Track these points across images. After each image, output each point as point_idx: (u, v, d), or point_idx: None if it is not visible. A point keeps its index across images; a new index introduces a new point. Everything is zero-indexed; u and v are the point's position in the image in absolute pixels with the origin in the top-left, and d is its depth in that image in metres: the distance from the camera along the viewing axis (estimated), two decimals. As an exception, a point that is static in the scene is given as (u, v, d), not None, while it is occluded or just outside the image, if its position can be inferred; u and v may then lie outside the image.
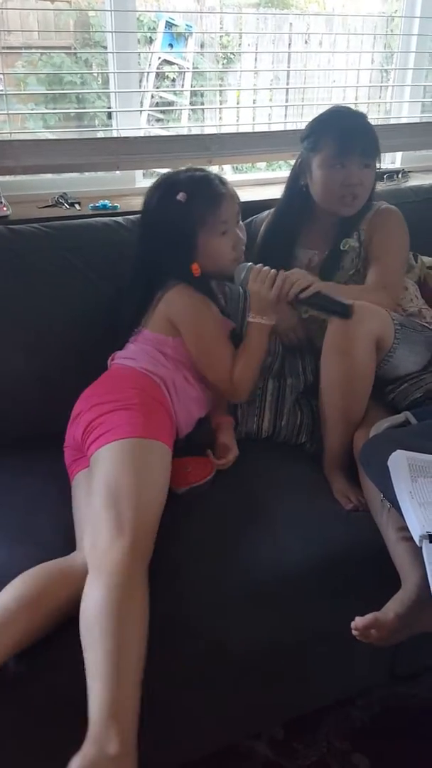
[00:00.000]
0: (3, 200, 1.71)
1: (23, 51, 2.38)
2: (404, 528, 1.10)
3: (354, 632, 1.10)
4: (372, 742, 1.44)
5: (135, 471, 1.19)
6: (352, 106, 1.75)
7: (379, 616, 1.09)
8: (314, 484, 1.44)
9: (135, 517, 1.12)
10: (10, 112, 1.86)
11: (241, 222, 1.49)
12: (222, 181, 1.44)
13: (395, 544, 1.20)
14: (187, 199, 1.38)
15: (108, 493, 1.15)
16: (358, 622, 1.10)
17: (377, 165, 1.59)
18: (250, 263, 1.42)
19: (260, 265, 1.41)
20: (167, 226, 1.41)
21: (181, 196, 1.38)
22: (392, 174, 2.25)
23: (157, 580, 1.17)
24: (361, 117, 1.59)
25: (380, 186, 1.84)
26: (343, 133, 1.53)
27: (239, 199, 1.46)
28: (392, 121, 2.41)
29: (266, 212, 1.80)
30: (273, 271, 1.39)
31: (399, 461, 1.15)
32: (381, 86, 2.60)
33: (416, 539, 1.02)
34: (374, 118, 1.69)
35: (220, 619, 1.18)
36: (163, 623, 1.11)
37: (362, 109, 1.72)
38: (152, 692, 1.12)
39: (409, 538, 1.10)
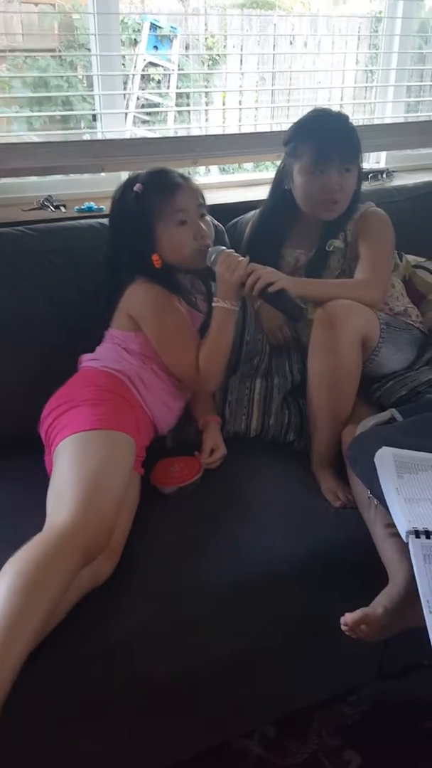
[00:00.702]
0: (-12, 203, 1.71)
1: (7, 54, 2.37)
2: (391, 524, 1.11)
3: (343, 627, 1.11)
4: (363, 738, 1.45)
5: (80, 463, 1.20)
6: (337, 107, 1.75)
7: (368, 612, 1.10)
8: (302, 482, 1.44)
9: (83, 505, 1.11)
10: (-5, 115, 1.86)
11: (208, 218, 1.49)
12: (182, 176, 1.46)
13: (383, 541, 1.21)
14: (143, 190, 1.41)
15: (56, 486, 1.19)
16: (348, 617, 1.11)
17: (361, 166, 1.59)
18: (223, 247, 1.43)
19: (232, 250, 1.42)
20: (127, 218, 1.44)
21: (137, 188, 1.41)
22: (376, 174, 2.27)
23: (143, 578, 1.18)
24: (341, 120, 1.58)
25: (365, 186, 1.84)
26: (320, 140, 1.52)
27: (203, 195, 1.47)
28: (376, 121, 2.42)
29: (251, 213, 1.81)
30: (243, 259, 1.39)
31: (385, 458, 1.16)
32: (365, 87, 2.61)
33: (402, 535, 1.03)
34: (358, 118, 1.70)
35: (206, 617, 1.18)
36: (147, 621, 1.12)
37: (347, 109, 1.73)
38: (142, 690, 1.14)
39: (397, 534, 1.11)
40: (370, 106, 2.51)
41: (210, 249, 1.43)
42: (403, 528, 1.03)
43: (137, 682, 1.13)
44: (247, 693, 1.30)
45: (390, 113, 2.44)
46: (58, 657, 1.05)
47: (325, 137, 1.53)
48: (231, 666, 1.23)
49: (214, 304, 1.43)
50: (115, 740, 1.18)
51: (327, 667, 1.37)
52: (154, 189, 1.41)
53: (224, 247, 1.44)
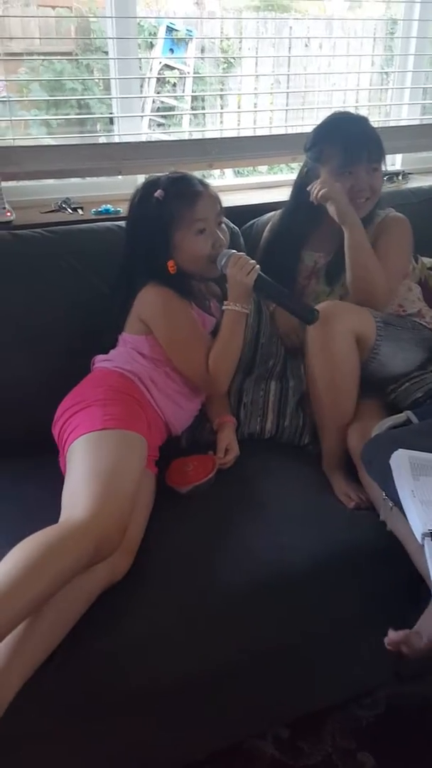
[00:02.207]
0: (6, 206, 1.72)
1: (25, 57, 2.39)
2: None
3: (387, 646, 1.10)
4: (377, 741, 1.44)
5: (93, 463, 1.22)
6: (353, 110, 1.76)
7: (410, 636, 1.08)
8: (317, 483, 1.45)
9: (98, 502, 1.12)
10: (13, 118, 1.88)
11: (224, 225, 1.51)
12: (202, 183, 1.47)
13: (417, 552, 1.18)
14: (164, 197, 1.41)
15: (71, 485, 1.21)
16: (392, 636, 1.10)
17: (383, 167, 1.60)
18: (233, 250, 1.44)
19: (242, 253, 1.43)
20: (146, 223, 1.44)
21: (158, 194, 1.41)
22: (392, 176, 2.26)
23: (157, 577, 1.18)
24: (363, 121, 1.61)
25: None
26: (348, 142, 1.54)
27: (221, 203, 1.48)
28: (392, 124, 2.42)
29: (267, 215, 1.82)
30: (253, 261, 1.41)
31: (401, 460, 1.16)
32: (381, 89, 2.61)
33: (418, 537, 1.03)
34: (374, 120, 1.70)
35: (220, 618, 1.19)
36: (161, 620, 1.13)
37: (362, 111, 1.73)
38: (156, 690, 1.14)
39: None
40: (385, 109, 2.50)
41: (221, 253, 1.44)
42: (419, 530, 1.03)
43: (151, 681, 1.14)
44: (261, 694, 1.30)
45: (406, 115, 2.44)
46: (72, 655, 1.06)
47: (351, 139, 1.55)
48: (245, 666, 1.24)
49: (224, 307, 1.44)
50: (128, 740, 1.19)
51: (342, 669, 1.37)
52: (175, 196, 1.41)
53: (234, 250, 1.44)
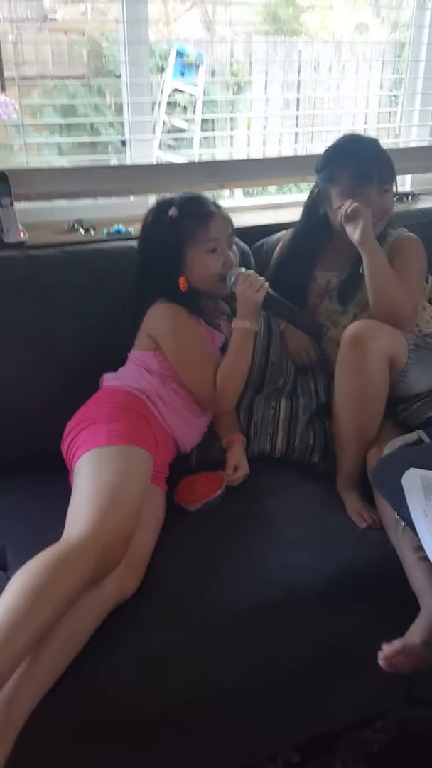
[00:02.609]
0: (20, 226, 1.74)
1: (38, 80, 2.44)
2: (420, 548, 1.10)
3: (381, 662, 1.09)
4: (389, 765, 1.42)
5: (96, 478, 1.23)
6: (362, 131, 1.78)
7: (406, 642, 1.08)
8: (327, 503, 1.44)
9: (98, 517, 1.12)
10: (26, 141, 1.91)
11: (235, 246, 1.53)
12: (215, 204, 1.50)
13: (412, 567, 1.20)
14: (177, 215, 1.43)
15: (74, 502, 1.21)
16: (386, 650, 1.09)
17: (394, 188, 1.62)
18: (242, 269, 1.46)
19: (251, 271, 1.45)
20: (159, 240, 1.47)
21: (172, 212, 1.44)
22: (402, 196, 2.28)
23: (166, 596, 1.18)
24: (374, 143, 1.62)
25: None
26: (359, 163, 1.55)
27: (233, 224, 1.51)
28: (401, 145, 2.44)
29: (277, 235, 1.83)
30: (262, 278, 1.42)
31: (413, 480, 1.15)
32: (390, 111, 2.64)
33: (431, 557, 1.02)
34: (384, 142, 1.72)
35: (229, 637, 1.18)
36: (169, 639, 1.12)
37: (371, 134, 1.75)
38: (165, 711, 1.13)
39: (426, 559, 1.10)
40: (394, 130, 2.53)
41: (230, 271, 1.45)
42: (431, 550, 1.02)
43: (160, 702, 1.13)
44: (270, 716, 1.29)
45: (415, 137, 2.46)
46: (80, 672, 1.06)
47: (362, 160, 1.56)
48: (254, 688, 1.22)
49: (234, 325, 1.45)
50: (136, 761, 1.17)
51: (353, 691, 1.35)
52: (189, 215, 1.44)
53: (243, 269, 1.46)
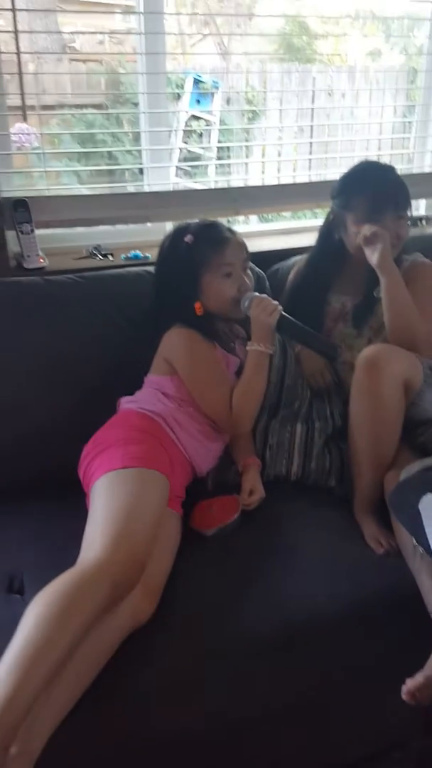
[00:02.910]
0: (40, 252, 1.78)
1: (56, 109, 2.49)
2: None
3: (404, 696, 1.08)
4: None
5: (111, 501, 1.23)
6: (375, 158, 1.79)
7: (428, 675, 1.07)
8: (344, 527, 1.43)
9: (113, 540, 1.13)
10: (46, 169, 1.95)
11: (249, 271, 1.55)
12: (230, 230, 1.52)
13: (430, 593, 1.19)
14: (193, 242, 1.46)
15: (90, 525, 1.22)
16: (409, 684, 1.08)
17: (409, 214, 1.63)
18: (255, 293, 1.48)
19: (264, 295, 1.47)
20: (175, 266, 1.50)
21: (188, 238, 1.47)
22: (416, 220, 2.30)
23: (181, 622, 1.17)
24: (389, 170, 1.64)
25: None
26: (375, 191, 1.57)
27: (247, 249, 1.53)
28: (415, 170, 2.47)
29: (292, 260, 1.85)
30: (276, 302, 1.44)
31: (431, 505, 1.15)
32: (403, 137, 2.67)
33: (449, 584, 1.01)
34: (398, 168, 1.74)
35: (245, 665, 1.17)
36: (184, 667, 1.11)
37: (385, 159, 1.76)
38: (178, 740, 1.12)
39: None
40: (408, 156, 2.55)
41: (245, 295, 1.47)
42: (450, 577, 1.02)
43: (173, 731, 1.12)
44: (287, 745, 1.27)
45: (429, 162, 2.49)
46: (95, 699, 1.05)
47: (379, 188, 1.58)
48: (270, 716, 1.21)
49: (248, 348, 1.47)
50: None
51: (371, 719, 1.34)
52: (205, 241, 1.46)
53: (256, 293, 1.48)
